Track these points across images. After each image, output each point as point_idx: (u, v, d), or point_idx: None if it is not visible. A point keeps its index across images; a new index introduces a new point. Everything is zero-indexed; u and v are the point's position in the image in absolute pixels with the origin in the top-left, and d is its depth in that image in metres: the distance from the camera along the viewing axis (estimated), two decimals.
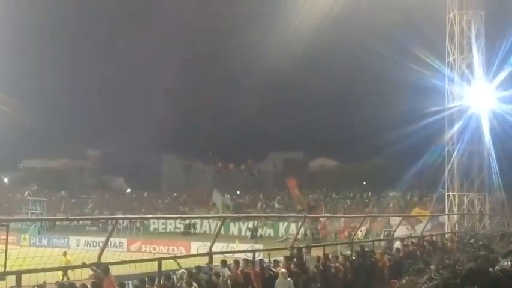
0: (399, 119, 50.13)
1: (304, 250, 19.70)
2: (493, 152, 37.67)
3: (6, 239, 13.15)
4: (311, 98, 75.66)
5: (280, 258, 18.50)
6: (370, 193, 63.58)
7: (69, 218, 38.90)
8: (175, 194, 77.77)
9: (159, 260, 15.37)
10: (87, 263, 13.90)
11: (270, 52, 60.00)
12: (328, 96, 71.91)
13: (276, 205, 64.45)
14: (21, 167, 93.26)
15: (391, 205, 56.01)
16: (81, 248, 40.17)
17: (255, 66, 65.85)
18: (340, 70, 66.44)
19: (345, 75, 67.59)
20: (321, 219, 50.09)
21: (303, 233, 45.44)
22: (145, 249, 45.15)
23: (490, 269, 1.21)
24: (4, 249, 12.18)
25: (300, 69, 68.94)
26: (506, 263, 1.19)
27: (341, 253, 22.37)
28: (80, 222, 56.69)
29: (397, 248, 23.81)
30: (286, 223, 52.11)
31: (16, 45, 64.10)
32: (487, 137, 37.74)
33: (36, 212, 61.27)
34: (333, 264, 18.87)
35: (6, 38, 57.46)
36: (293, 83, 75.81)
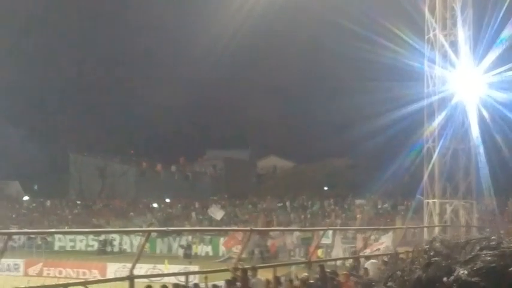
0: (367, 110, 50.96)
1: (250, 272, 19.81)
2: (482, 150, 38.05)
3: None
4: (259, 86, 76.03)
5: (221, 283, 18.56)
6: (332, 201, 64.26)
7: None
8: (86, 203, 76.86)
9: (65, 286, 15.23)
10: None
11: (212, 36, 59.92)
12: (281, 84, 72.33)
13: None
14: None
15: (358, 215, 56.74)
16: None
17: (192, 50, 65.73)
18: (294, 52, 66.94)
19: (299, 57, 68.10)
20: (272, 233, 50.31)
21: (250, 251, 45.55)
22: (49, 273, 44.55)
23: (444, 279, 1.28)
24: None
25: (245, 53, 69.18)
26: (462, 272, 1.25)
27: (296, 276, 22.59)
28: None
29: (365, 268, 24.19)
30: (227, 238, 52.15)
31: None
32: (475, 132, 38.15)
33: None
34: None
35: None
36: (237, 69, 75.94)
